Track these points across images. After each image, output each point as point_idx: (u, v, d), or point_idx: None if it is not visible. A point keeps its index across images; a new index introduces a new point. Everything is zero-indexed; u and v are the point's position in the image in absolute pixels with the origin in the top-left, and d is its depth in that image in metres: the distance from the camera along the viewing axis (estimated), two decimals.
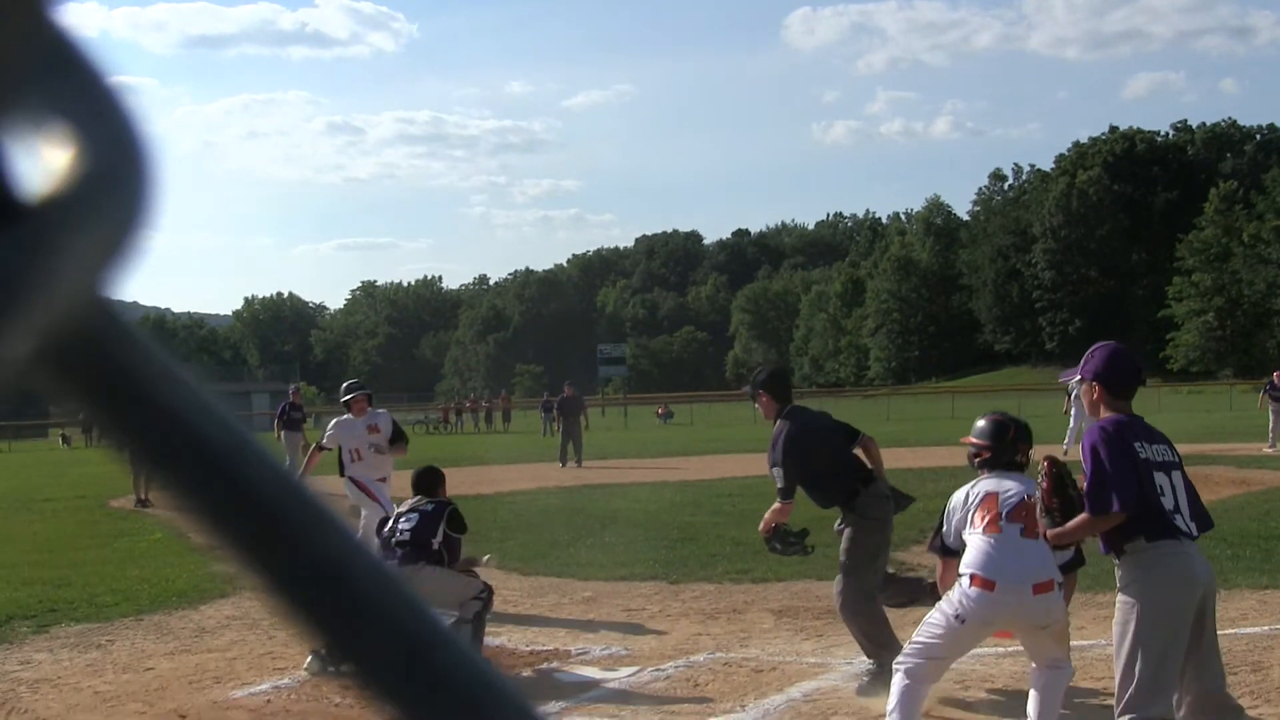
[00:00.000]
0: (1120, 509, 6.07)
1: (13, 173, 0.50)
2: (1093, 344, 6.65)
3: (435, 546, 9.97)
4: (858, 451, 9.37)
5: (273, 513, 0.55)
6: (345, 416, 14.18)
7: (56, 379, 0.53)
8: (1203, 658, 6.20)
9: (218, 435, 0.55)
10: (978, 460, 7.44)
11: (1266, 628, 10.29)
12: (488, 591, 10.04)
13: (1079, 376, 6.53)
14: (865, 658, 8.94)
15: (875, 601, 8.99)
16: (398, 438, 14.14)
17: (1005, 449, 7.34)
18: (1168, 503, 6.05)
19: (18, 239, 0.49)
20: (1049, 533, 6.68)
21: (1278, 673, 8.86)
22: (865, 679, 8.70)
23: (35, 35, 0.50)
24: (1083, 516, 6.21)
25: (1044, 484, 6.87)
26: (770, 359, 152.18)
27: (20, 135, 0.50)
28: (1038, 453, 7.32)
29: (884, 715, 7.92)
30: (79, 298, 0.51)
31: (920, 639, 7.03)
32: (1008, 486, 7.14)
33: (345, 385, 14.85)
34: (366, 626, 0.56)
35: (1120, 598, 6.10)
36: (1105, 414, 6.28)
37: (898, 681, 7.02)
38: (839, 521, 9.18)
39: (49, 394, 0.54)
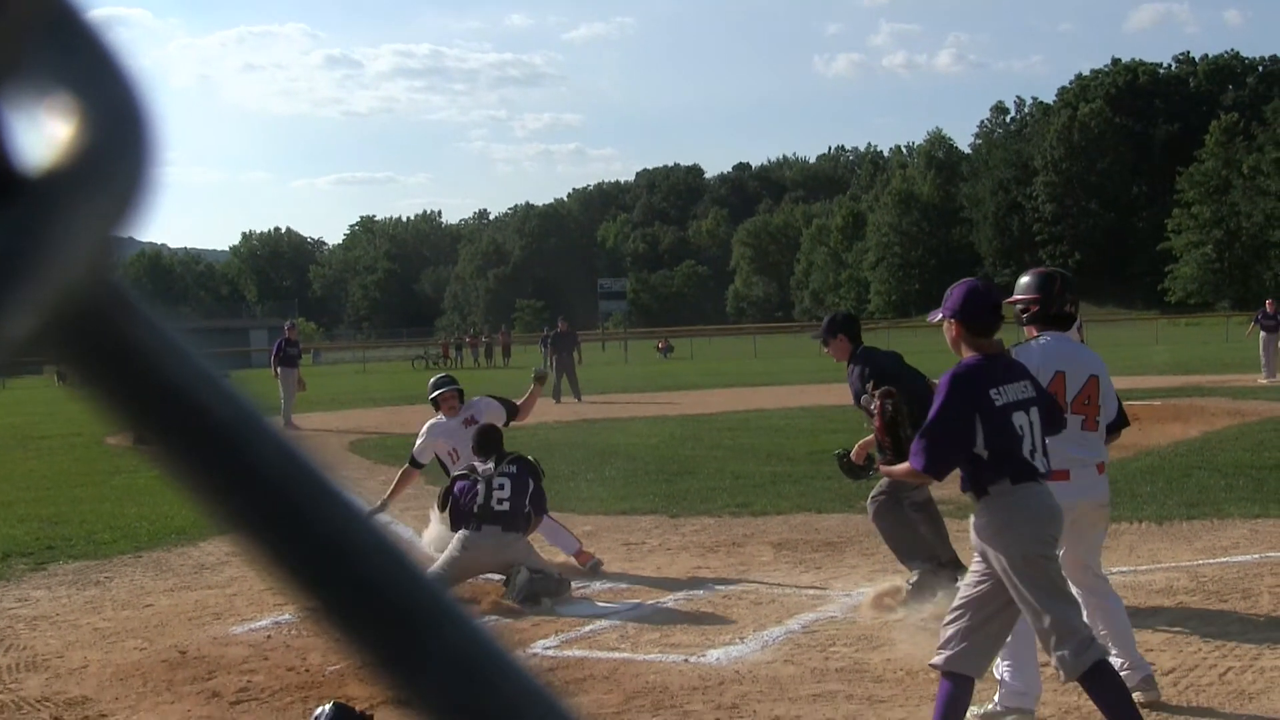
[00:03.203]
0: (925, 471, 6.05)
1: (14, 145, 0.48)
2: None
3: (527, 510, 10.30)
4: None
5: (277, 488, 0.54)
6: (436, 418, 12.29)
7: (60, 354, 0.52)
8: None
9: (222, 409, 0.54)
10: (1025, 315, 7.28)
11: (1257, 556, 10.45)
12: (565, 583, 10.05)
13: (940, 315, 6.32)
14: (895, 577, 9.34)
15: (904, 511, 9.34)
16: (509, 406, 12.44)
17: (1053, 299, 7.21)
18: (1025, 445, 5.94)
19: (19, 216, 0.47)
20: (880, 467, 6.74)
21: (1267, 600, 8.98)
22: (908, 587, 9.06)
23: (41, 2, 0.49)
24: (907, 464, 6.21)
25: (877, 422, 6.83)
26: (771, 292, 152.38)
27: (23, 106, 0.48)
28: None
29: (892, 642, 8.04)
30: (82, 274, 0.50)
31: None
32: (1076, 369, 7.07)
33: (433, 381, 12.71)
34: (368, 602, 0.55)
35: (987, 549, 5.93)
36: (966, 353, 6.13)
37: None
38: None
39: (53, 365, 0.53)
